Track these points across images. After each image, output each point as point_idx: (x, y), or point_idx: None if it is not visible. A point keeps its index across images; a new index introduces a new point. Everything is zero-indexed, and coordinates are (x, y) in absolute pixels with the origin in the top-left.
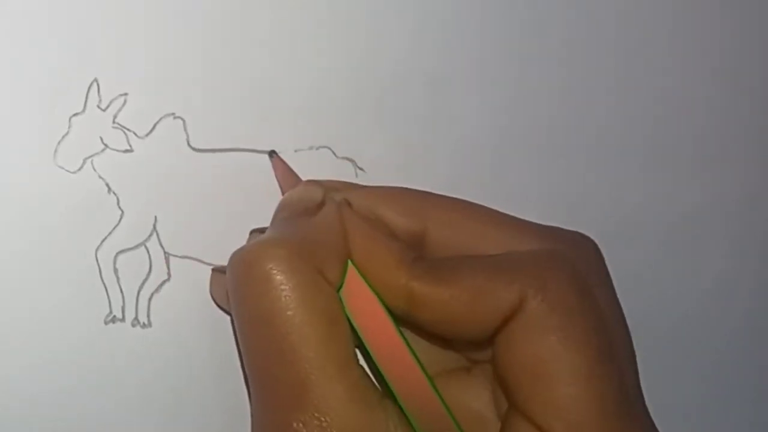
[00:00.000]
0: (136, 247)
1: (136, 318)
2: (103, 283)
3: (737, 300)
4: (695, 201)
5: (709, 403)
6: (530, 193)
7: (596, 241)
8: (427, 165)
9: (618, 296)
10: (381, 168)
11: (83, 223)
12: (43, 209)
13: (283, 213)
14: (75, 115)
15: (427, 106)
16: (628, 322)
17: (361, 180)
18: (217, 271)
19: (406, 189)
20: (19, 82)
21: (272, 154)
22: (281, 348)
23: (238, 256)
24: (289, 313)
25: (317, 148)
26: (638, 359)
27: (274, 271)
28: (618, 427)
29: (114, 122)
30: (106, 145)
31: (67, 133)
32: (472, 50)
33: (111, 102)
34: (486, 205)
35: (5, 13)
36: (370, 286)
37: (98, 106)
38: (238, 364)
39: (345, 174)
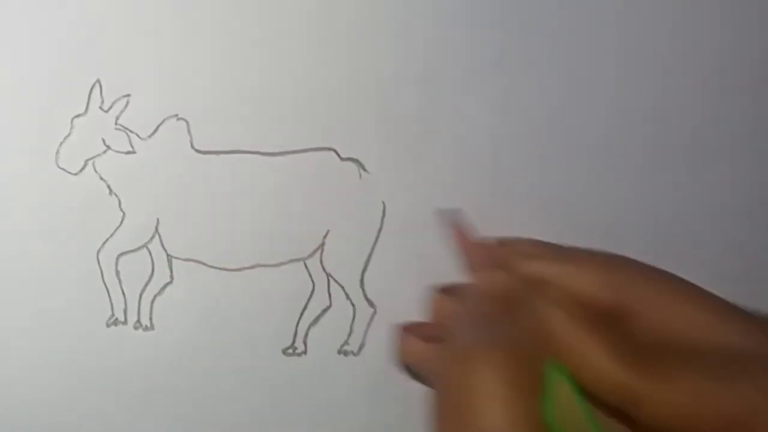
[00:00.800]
0: (138, 249)
1: (138, 320)
2: (105, 286)
3: (737, 300)
4: (695, 201)
5: None
6: (530, 192)
7: (596, 241)
8: (431, 165)
9: None
10: (385, 169)
11: (84, 224)
12: (44, 210)
13: (485, 306)
14: (77, 116)
15: (430, 108)
16: None
17: (365, 181)
18: (410, 332)
19: (604, 256)
20: (21, 84)
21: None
22: None
23: (459, 356)
24: (503, 421)
25: (322, 150)
26: None
27: (495, 380)
28: None
29: (116, 124)
30: (108, 147)
31: (68, 135)
32: (475, 51)
33: (113, 103)
34: (486, 204)
35: (7, 15)
36: (574, 388)
37: (100, 108)
38: (240, 365)
39: (349, 175)
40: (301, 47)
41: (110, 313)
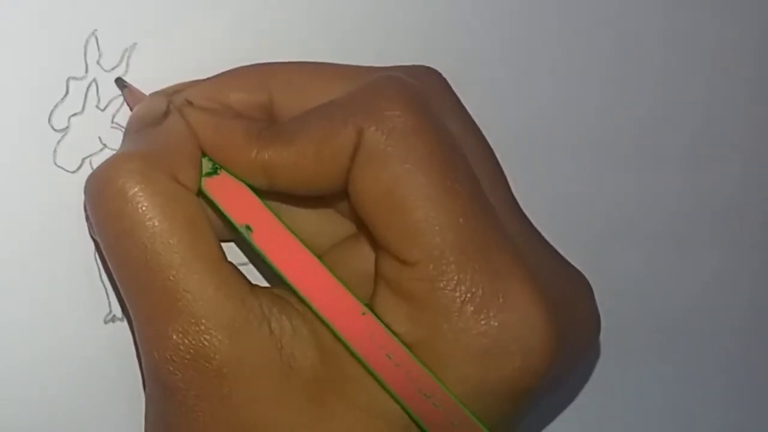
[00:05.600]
0: None
1: None
2: (103, 283)
3: (736, 299)
4: (693, 200)
5: (707, 403)
6: (529, 192)
7: (595, 241)
8: None
9: (615, 294)
10: None
11: (82, 222)
12: (42, 209)
13: (132, 128)
14: (74, 115)
15: None
16: (627, 321)
17: None
18: None
19: (247, 65)
20: (18, 83)
21: (120, 82)
22: (146, 258)
23: (91, 178)
24: (148, 222)
25: None
26: (635, 358)
27: (128, 185)
28: (475, 241)
29: (112, 122)
30: (104, 145)
31: (66, 134)
32: (471, 49)
33: (109, 102)
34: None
35: (4, 14)
36: (232, 174)
37: (97, 107)
38: None
39: None
40: (301, 48)
41: (108, 310)
